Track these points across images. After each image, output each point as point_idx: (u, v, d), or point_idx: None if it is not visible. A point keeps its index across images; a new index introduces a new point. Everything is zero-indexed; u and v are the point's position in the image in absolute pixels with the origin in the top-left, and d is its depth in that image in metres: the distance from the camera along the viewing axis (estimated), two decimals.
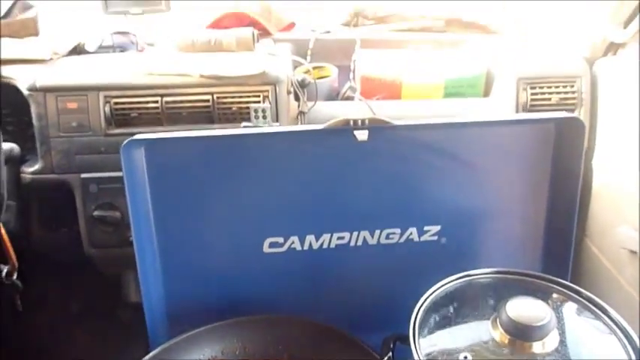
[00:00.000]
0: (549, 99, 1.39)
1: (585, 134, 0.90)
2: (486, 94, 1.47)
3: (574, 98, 1.40)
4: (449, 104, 1.41)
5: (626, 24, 1.33)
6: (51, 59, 1.39)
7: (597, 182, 1.40)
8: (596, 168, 1.41)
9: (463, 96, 1.45)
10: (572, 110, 1.40)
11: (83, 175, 1.32)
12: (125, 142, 0.85)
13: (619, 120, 1.34)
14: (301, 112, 1.32)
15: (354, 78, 1.53)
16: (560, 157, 0.97)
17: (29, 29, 1.46)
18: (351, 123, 0.85)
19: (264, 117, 1.16)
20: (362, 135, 0.85)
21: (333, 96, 1.49)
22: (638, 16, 1.25)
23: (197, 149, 0.93)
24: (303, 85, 1.34)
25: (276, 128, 1.08)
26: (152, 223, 0.96)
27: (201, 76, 1.28)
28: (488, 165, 0.98)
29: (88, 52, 1.51)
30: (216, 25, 1.53)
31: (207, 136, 0.90)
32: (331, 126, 0.85)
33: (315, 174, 0.94)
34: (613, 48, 1.44)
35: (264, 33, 1.54)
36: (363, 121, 0.85)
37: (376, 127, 0.86)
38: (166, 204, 0.94)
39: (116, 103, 1.29)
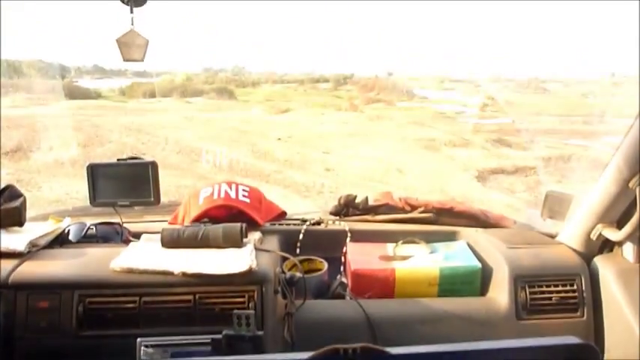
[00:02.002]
0: (550, 298, 1.34)
1: None
2: (483, 290, 1.41)
3: (575, 297, 1.35)
4: (445, 303, 1.34)
5: (620, 223, 1.33)
6: (29, 252, 1.33)
7: None
8: None
9: (459, 293, 1.38)
10: (575, 310, 1.34)
11: None
12: None
13: (625, 319, 1.27)
14: (288, 314, 1.23)
15: (344, 272, 1.48)
16: None
17: (13, 219, 1.43)
18: (341, 352, 0.76)
19: (248, 324, 1.07)
20: None
21: (324, 290, 1.42)
22: (635, 217, 1.24)
23: None
24: (291, 283, 1.28)
25: (254, 357, 0.99)
26: None
27: (184, 274, 1.22)
28: None
29: (70, 242, 1.46)
30: (205, 214, 1.51)
31: None
32: (317, 356, 0.77)
33: None
34: (608, 245, 1.42)
35: (253, 224, 1.51)
36: (354, 349, 0.76)
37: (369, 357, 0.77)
38: None
39: (91, 303, 1.20)
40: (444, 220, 1.67)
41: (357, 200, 1.70)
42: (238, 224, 1.35)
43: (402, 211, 1.69)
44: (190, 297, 1.20)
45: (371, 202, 1.72)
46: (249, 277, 1.22)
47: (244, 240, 1.36)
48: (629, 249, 1.37)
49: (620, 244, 1.38)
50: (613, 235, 1.32)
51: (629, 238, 1.29)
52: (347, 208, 1.69)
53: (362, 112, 14.97)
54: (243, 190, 1.57)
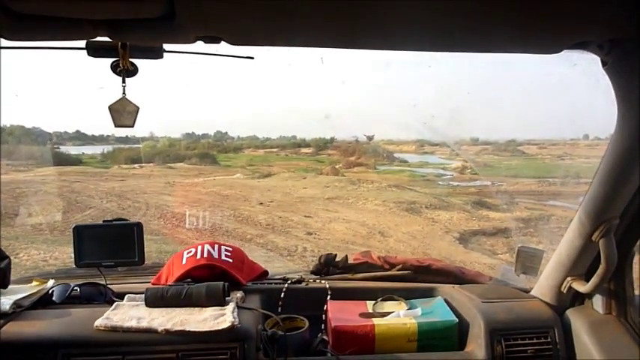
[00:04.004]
0: (525, 351, 1.37)
1: None
2: (461, 344, 1.44)
3: (550, 350, 1.39)
4: (424, 358, 1.37)
5: (588, 275, 1.39)
6: (13, 312, 1.34)
7: None
8: None
9: (437, 348, 1.41)
10: None
11: None
12: None
13: None
14: None
15: (325, 329, 1.50)
16: None
17: None
18: None
19: None
20: None
21: (305, 348, 1.44)
22: (600, 269, 1.31)
23: None
24: (273, 340, 1.30)
25: None
26: None
27: (167, 332, 1.24)
28: None
29: (54, 303, 1.47)
30: (188, 275, 1.53)
31: None
32: None
33: None
34: (579, 297, 1.47)
35: (236, 283, 1.54)
36: None
37: None
38: None
39: None
40: (422, 277, 1.72)
41: (337, 259, 1.75)
42: (221, 283, 1.39)
43: (381, 269, 1.74)
44: (174, 355, 1.22)
45: (351, 261, 1.77)
46: (231, 335, 1.25)
47: (227, 298, 1.39)
48: (598, 301, 1.43)
49: (589, 296, 1.44)
50: (582, 287, 1.38)
51: (596, 289, 1.35)
52: (327, 267, 1.74)
53: (343, 175, 15.16)
54: (226, 250, 1.61)
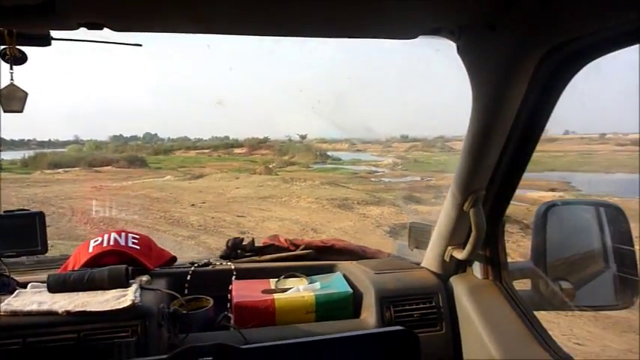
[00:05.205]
0: (412, 315, 1.50)
1: (419, 347, 0.98)
2: (356, 313, 1.55)
3: (434, 313, 1.52)
4: (321, 327, 1.46)
5: (465, 244, 1.53)
6: None
7: None
8: None
9: (334, 318, 1.51)
10: (435, 325, 1.51)
11: None
12: None
13: (476, 330, 1.45)
14: (172, 345, 1.31)
15: (230, 307, 1.58)
16: None
17: None
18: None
19: (128, 353, 1.15)
20: None
21: (210, 325, 1.51)
22: (472, 236, 1.45)
23: None
24: (175, 317, 1.36)
25: None
26: None
27: (68, 313, 1.27)
28: None
29: None
30: (94, 262, 1.56)
31: None
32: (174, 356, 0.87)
33: None
34: (462, 265, 1.62)
35: (143, 268, 1.59)
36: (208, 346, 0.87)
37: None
38: None
39: None
40: (326, 257, 1.82)
41: (244, 243, 1.83)
42: (123, 266, 1.43)
43: (287, 250, 1.83)
44: (75, 335, 1.25)
45: (258, 244, 1.85)
46: (132, 313, 1.29)
47: (130, 281, 1.43)
48: (477, 267, 1.57)
49: (470, 263, 1.58)
50: (459, 255, 1.52)
51: (471, 255, 1.48)
52: (235, 250, 1.81)
53: (276, 174, 15.22)
54: (133, 237, 1.65)
